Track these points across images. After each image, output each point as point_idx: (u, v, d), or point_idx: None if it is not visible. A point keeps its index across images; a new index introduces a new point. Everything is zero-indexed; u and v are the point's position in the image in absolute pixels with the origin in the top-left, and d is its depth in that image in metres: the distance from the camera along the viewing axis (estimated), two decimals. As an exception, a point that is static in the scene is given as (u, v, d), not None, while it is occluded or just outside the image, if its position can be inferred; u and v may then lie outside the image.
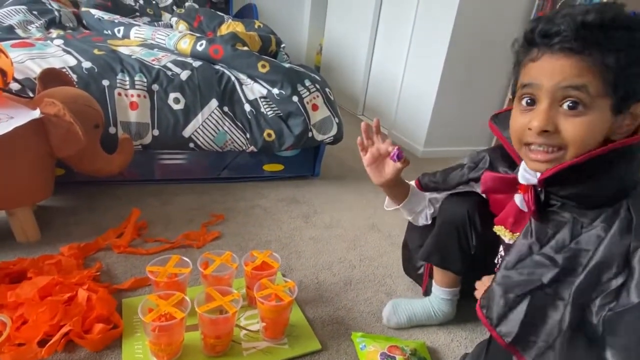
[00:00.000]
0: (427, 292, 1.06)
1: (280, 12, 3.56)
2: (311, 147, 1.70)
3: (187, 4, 2.88)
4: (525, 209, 0.71)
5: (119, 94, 1.36)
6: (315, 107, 1.60)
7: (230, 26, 2.28)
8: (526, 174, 0.68)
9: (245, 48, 1.63)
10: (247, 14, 3.02)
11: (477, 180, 0.83)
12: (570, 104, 0.57)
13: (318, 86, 1.63)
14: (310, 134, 1.59)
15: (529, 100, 0.62)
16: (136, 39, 1.76)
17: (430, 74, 2.16)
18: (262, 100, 1.56)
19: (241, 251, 1.18)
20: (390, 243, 1.34)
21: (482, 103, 2.26)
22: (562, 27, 0.56)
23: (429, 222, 0.97)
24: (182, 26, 2.24)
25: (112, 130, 1.35)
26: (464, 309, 1.01)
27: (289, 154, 1.70)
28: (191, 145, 1.48)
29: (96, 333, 0.80)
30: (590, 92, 0.56)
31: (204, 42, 1.61)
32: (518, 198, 0.73)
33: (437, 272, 0.98)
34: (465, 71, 2.13)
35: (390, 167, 0.85)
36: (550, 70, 0.58)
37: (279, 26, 3.33)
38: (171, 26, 2.32)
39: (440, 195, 0.95)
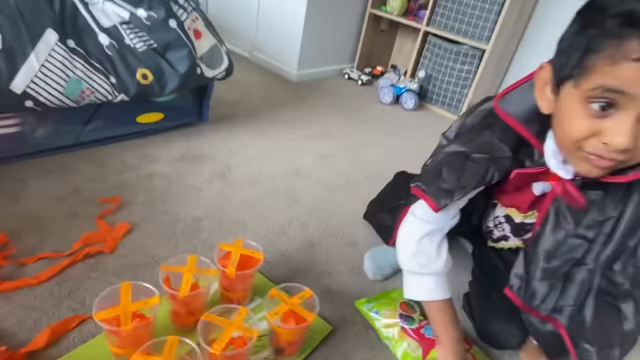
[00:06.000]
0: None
1: None
2: (196, 87, 1.38)
3: None
4: (539, 193, 0.68)
5: None
6: (197, 34, 1.26)
7: None
8: (557, 165, 0.60)
9: (79, -53, 1.09)
10: None
11: (502, 175, 0.64)
12: None
13: (192, 4, 1.26)
14: (199, 70, 1.26)
15: (604, 105, 0.48)
16: None
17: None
18: (124, 27, 1.12)
19: (173, 240, 0.93)
20: (324, 188, 1.25)
21: (348, 14, 2.20)
22: None
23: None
24: None
25: None
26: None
27: (166, 98, 1.33)
28: (28, 103, 0.99)
29: None
30: None
31: None
32: (538, 185, 0.68)
33: None
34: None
35: None
36: None
37: None
38: None
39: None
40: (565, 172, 0.60)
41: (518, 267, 0.70)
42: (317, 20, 2.02)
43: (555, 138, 0.57)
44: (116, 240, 0.89)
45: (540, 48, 1.95)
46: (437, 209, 0.65)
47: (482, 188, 0.66)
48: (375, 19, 2.28)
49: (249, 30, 2.24)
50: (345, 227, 1.10)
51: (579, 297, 0.67)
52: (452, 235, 1.07)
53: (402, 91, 2.01)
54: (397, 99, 2.04)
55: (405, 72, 2.23)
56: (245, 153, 1.36)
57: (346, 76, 2.30)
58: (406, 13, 2.19)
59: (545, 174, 0.63)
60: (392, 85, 2.03)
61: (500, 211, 0.79)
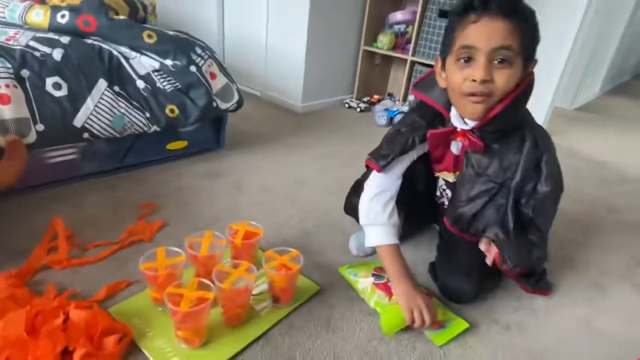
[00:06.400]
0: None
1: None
2: (213, 118, 1.67)
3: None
4: (458, 153, 0.92)
5: (-19, 87, 1.08)
6: (213, 76, 1.56)
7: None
8: (460, 123, 0.86)
9: (122, 17, 1.44)
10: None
11: (421, 140, 0.91)
12: (500, 60, 0.74)
13: (209, 53, 1.58)
14: (214, 104, 1.56)
15: (466, 59, 0.76)
16: (-41, 13, 1.36)
17: (296, 32, 2.27)
18: (155, 74, 1.44)
19: (197, 231, 1.15)
20: (321, 193, 1.49)
21: (344, 52, 2.52)
22: None
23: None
24: (-4, -8, 1.77)
25: (-16, 133, 1.08)
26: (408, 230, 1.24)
27: (190, 128, 1.63)
28: (85, 135, 1.30)
29: (112, 346, 0.74)
30: (514, 50, 0.74)
31: (65, 12, 1.36)
32: (454, 146, 0.92)
33: None
34: (329, 24, 2.31)
35: None
36: (487, 33, 0.73)
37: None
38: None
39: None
40: (466, 125, 0.85)
41: (450, 204, 0.95)
42: (315, 58, 2.33)
43: (450, 98, 0.84)
44: (153, 232, 1.14)
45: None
46: (378, 169, 0.92)
47: (413, 154, 0.94)
48: (370, 54, 2.58)
49: (260, 72, 2.58)
50: (338, 221, 1.31)
51: (496, 222, 0.88)
52: (427, 222, 1.29)
53: (395, 113, 2.27)
54: (391, 121, 2.29)
55: (399, 99, 2.49)
56: (256, 170, 1.62)
57: (347, 105, 2.58)
58: (395, 47, 2.48)
59: (454, 134, 0.88)
60: (386, 110, 2.29)
61: (440, 181, 1.01)
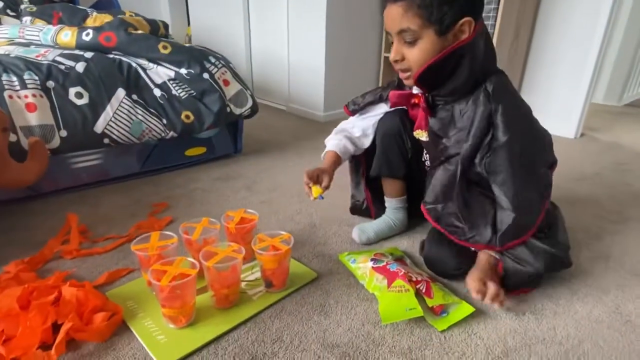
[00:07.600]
0: (377, 217, 1.21)
1: (134, 3, 3.32)
2: (229, 123, 1.72)
3: (22, 5, 2.51)
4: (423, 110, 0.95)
5: (10, 97, 1.19)
6: (226, 83, 1.62)
7: (97, 19, 2.09)
8: (416, 89, 0.95)
9: (140, 31, 1.55)
10: (103, 7, 2.77)
11: (388, 97, 1.04)
12: (406, 39, 0.82)
13: (223, 62, 1.65)
14: (228, 109, 1.61)
15: (392, 42, 0.86)
16: (1, 40, 1.52)
17: (315, 46, 2.32)
18: (171, 82, 1.52)
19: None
20: (332, 189, 1.46)
21: (365, 61, 2.53)
22: None
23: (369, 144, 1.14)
24: (40, 24, 1.98)
25: (12, 138, 1.18)
26: (412, 221, 1.19)
27: (208, 134, 1.68)
28: (106, 141, 1.38)
29: (99, 322, 0.76)
30: (412, 30, 0.80)
31: (90, 31, 1.48)
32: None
33: (386, 185, 1.15)
34: (346, 35, 2.35)
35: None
36: (389, 20, 0.83)
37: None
38: (24, 27, 2.02)
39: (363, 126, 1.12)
40: (418, 90, 0.94)
41: None
42: (335, 69, 2.36)
43: None
44: (160, 227, 1.18)
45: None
46: (348, 112, 1.14)
47: (382, 107, 1.09)
48: (391, 61, 2.57)
49: (284, 87, 2.64)
50: (344, 214, 1.28)
51: (442, 192, 0.88)
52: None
53: (417, 115, 2.22)
54: (413, 123, 2.24)
55: (423, 102, 2.44)
56: (270, 172, 1.63)
57: (369, 112, 2.56)
58: (416, 51, 2.45)
59: (413, 97, 0.97)
60: (408, 112, 2.25)
61: (422, 144, 1.02)
